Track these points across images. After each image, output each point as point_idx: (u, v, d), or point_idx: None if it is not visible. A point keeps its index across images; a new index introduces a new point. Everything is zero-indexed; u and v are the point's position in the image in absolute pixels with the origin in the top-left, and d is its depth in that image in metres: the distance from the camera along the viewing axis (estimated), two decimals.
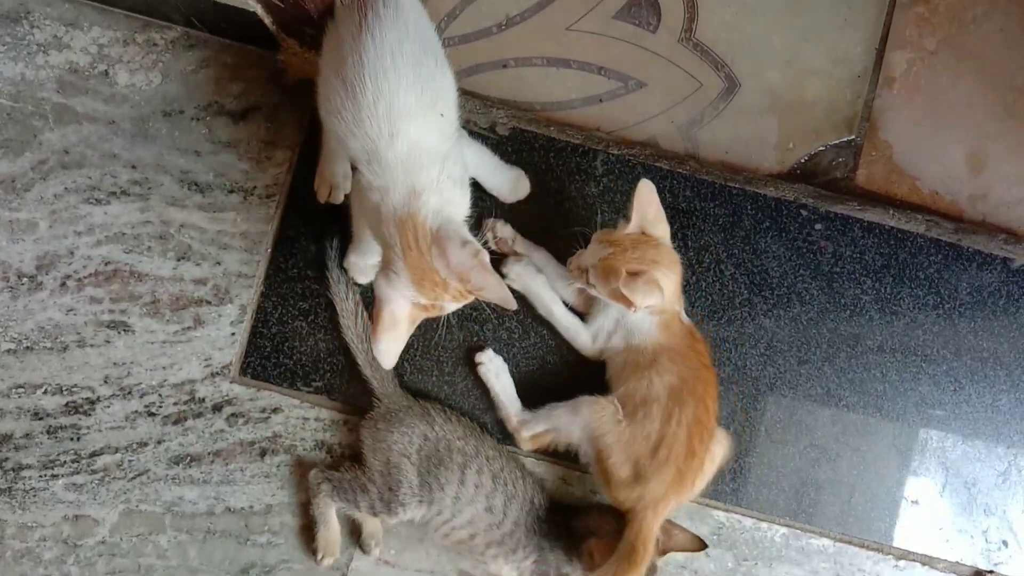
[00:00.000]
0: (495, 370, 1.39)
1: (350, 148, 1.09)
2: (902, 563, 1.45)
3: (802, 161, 1.51)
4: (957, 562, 1.45)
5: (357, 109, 1.05)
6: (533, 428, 1.35)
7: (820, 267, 1.46)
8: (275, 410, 1.43)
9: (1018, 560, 1.46)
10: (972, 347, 1.47)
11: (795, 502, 1.43)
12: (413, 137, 1.06)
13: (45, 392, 1.43)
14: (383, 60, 1.05)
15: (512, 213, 1.43)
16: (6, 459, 1.42)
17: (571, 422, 1.30)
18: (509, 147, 1.45)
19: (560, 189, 1.45)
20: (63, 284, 1.43)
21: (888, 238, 1.47)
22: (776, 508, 1.43)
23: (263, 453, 1.42)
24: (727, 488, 1.43)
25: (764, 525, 1.43)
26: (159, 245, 1.44)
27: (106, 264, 1.44)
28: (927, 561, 1.45)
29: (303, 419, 1.43)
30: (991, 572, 1.44)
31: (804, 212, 1.47)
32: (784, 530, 1.43)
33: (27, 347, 1.43)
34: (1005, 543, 1.45)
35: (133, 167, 1.45)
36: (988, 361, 1.47)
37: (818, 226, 1.47)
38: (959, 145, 1.52)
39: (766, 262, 1.46)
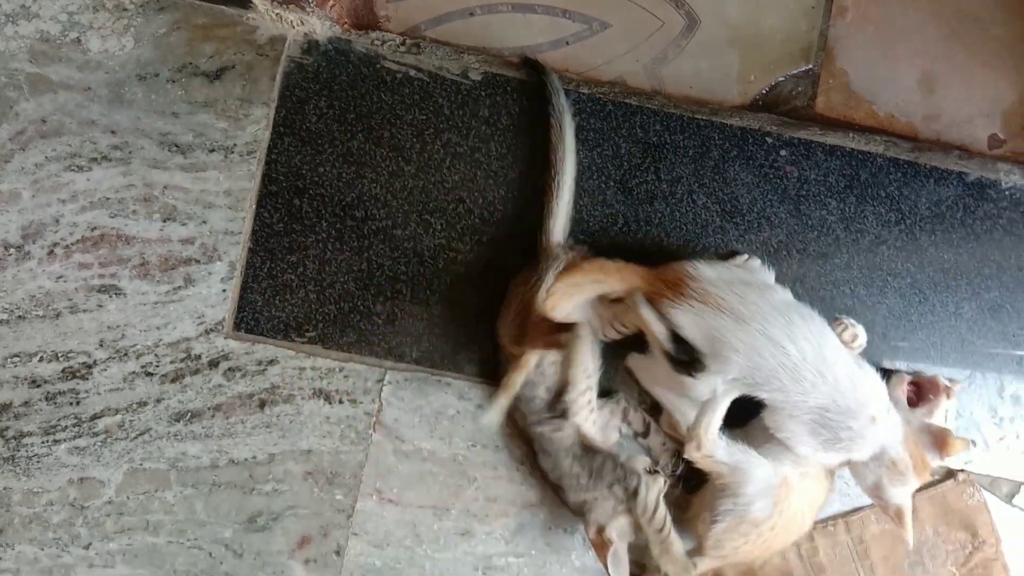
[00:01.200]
0: None
1: None
2: None
3: (763, 92, 1.57)
4: None
5: None
6: None
7: (787, 191, 1.52)
8: (271, 362, 1.46)
9: (985, 458, 1.54)
10: (934, 259, 1.54)
11: None
12: None
13: (41, 359, 1.45)
14: None
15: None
16: (7, 428, 1.44)
17: None
18: (483, 92, 1.49)
19: (534, 130, 1.49)
20: (51, 252, 1.45)
21: (849, 160, 1.54)
22: None
23: (262, 404, 1.46)
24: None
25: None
26: (144, 208, 1.46)
27: (92, 230, 1.45)
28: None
29: (299, 369, 1.46)
30: (962, 471, 1.53)
31: (769, 139, 1.53)
32: None
33: (19, 316, 1.44)
34: (973, 443, 1.53)
35: (112, 132, 1.46)
36: (950, 272, 1.54)
37: (783, 152, 1.53)
38: (911, 69, 1.59)
39: (735, 189, 1.52)
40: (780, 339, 1.23)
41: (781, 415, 1.27)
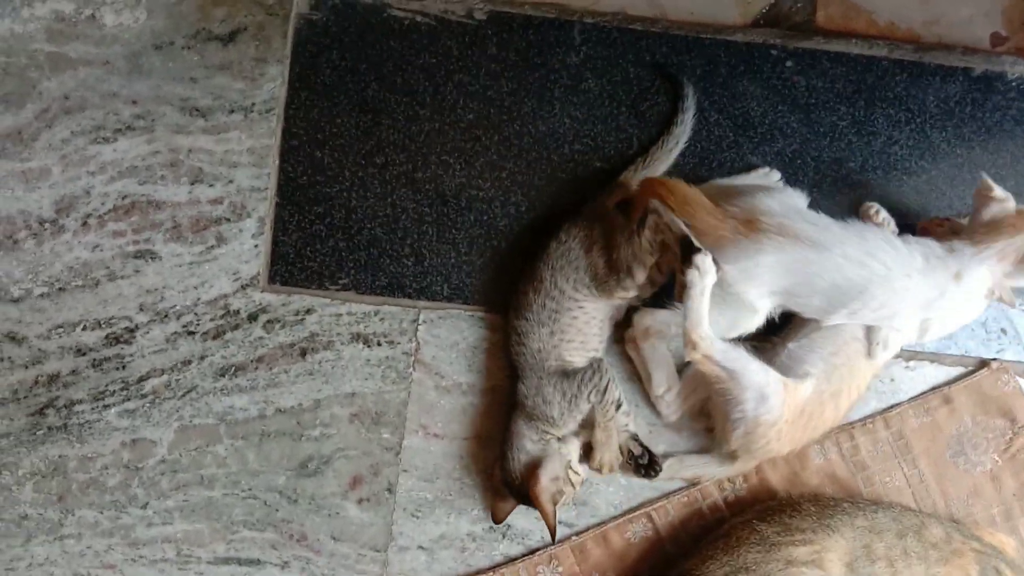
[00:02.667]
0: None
1: None
2: (912, 363, 1.54)
3: (763, 11, 1.59)
4: (963, 355, 1.55)
5: None
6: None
7: (796, 101, 1.55)
8: (308, 311, 1.50)
9: (1016, 347, 1.56)
10: (947, 154, 1.56)
11: None
12: None
13: (84, 328, 1.48)
14: None
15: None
16: (56, 398, 1.48)
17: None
18: (489, 31, 1.52)
19: (544, 63, 1.52)
20: (84, 223, 1.49)
21: (855, 65, 1.56)
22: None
23: (303, 353, 1.49)
24: None
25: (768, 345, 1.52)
26: (171, 172, 1.50)
27: (123, 198, 1.49)
28: (935, 359, 1.55)
29: (336, 315, 1.50)
30: (995, 359, 1.55)
31: (774, 52, 1.56)
32: None
33: (60, 288, 1.48)
34: (1004, 331, 1.55)
35: (134, 102, 1.50)
36: (964, 166, 1.56)
37: (789, 63, 1.55)
38: None
39: (746, 104, 1.54)
40: (862, 257, 1.29)
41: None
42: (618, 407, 1.40)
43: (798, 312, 1.37)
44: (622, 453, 1.43)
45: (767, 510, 1.42)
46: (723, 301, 1.33)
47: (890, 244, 1.32)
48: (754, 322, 1.36)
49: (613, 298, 1.39)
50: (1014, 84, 1.57)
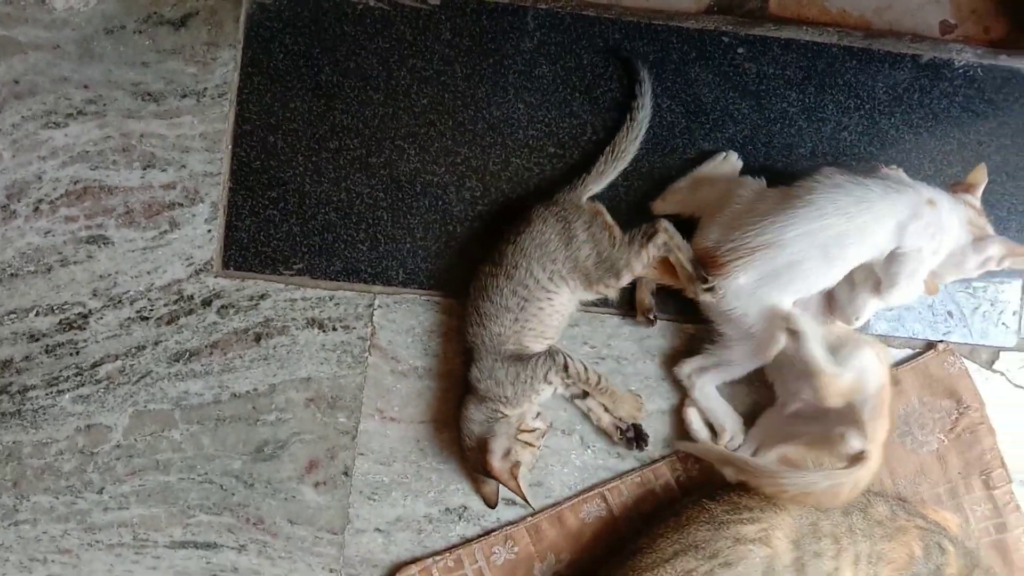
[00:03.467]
0: None
1: None
2: None
3: None
4: (910, 337, 1.58)
5: None
6: None
7: (747, 87, 1.57)
8: (262, 296, 1.50)
9: (962, 330, 1.59)
10: (895, 140, 1.59)
11: None
12: None
13: (37, 314, 1.48)
14: None
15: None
16: (10, 384, 1.48)
17: None
18: (443, 16, 1.53)
19: (498, 48, 1.53)
20: (36, 209, 1.48)
21: (805, 52, 1.58)
22: None
23: (258, 338, 1.50)
24: (691, 303, 1.54)
25: None
26: (123, 157, 1.49)
27: (75, 183, 1.48)
28: (882, 341, 1.57)
29: (290, 300, 1.50)
30: (941, 341, 1.58)
31: (726, 39, 1.57)
32: None
33: (12, 274, 1.48)
34: (950, 313, 1.59)
35: (85, 87, 1.49)
36: (911, 152, 1.59)
37: (740, 50, 1.57)
38: None
39: (698, 90, 1.56)
40: (819, 226, 1.33)
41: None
42: (586, 369, 1.42)
43: (811, 294, 1.39)
44: (610, 433, 1.47)
45: (716, 489, 1.44)
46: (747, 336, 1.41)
47: (841, 190, 1.34)
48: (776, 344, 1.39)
49: (591, 292, 1.42)
50: (960, 71, 1.59)
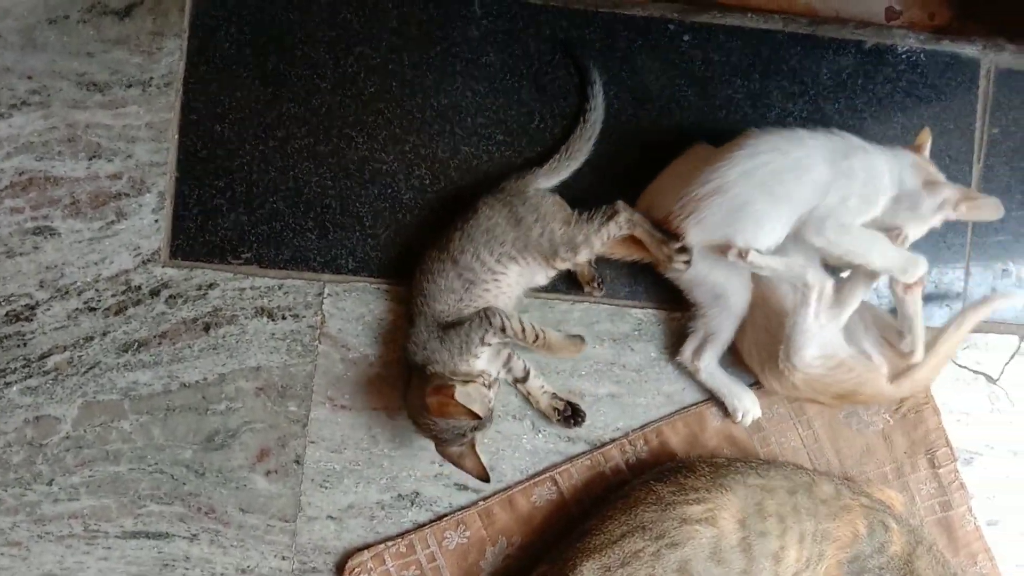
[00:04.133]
0: None
1: None
2: None
3: None
4: None
5: None
6: None
7: (693, 74, 1.58)
8: (211, 286, 1.50)
9: None
10: (840, 126, 1.57)
11: None
12: None
13: None
14: None
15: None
16: None
17: None
18: (390, 4, 1.53)
19: (445, 36, 1.53)
20: None
21: (750, 39, 1.59)
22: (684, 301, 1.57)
23: (207, 327, 1.50)
24: (639, 288, 1.56)
25: (677, 315, 1.56)
26: (68, 148, 1.48)
27: (20, 174, 1.48)
28: None
29: (239, 290, 1.50)
30: None
31: (671, 27, 1.58)
32: None
33: None
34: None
35: (29, 78, 1.48)
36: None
37: (686, 37, 1.58)
38: None
39: (644, 77, 1.57)
40: (756, 165, 1.36)
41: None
42: (523, 328, 1.43)
43: (770, 241, 1.40)
44: (548, 415, 1.50)
45: (664, 471, 1.46)
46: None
47: (775, 133, 1.40)
48: (744, 292, 1.45)
49: (548, 267, 1.44)
50: (904, 57, 1.62)
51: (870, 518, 1.44)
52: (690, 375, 1.54)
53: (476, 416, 1.33)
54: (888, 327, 1.48)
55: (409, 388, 1.44)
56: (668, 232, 1.41)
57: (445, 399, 1.33)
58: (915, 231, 1.43)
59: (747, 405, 1.52)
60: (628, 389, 1.55)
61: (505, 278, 1.42)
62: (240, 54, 1.51)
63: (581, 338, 1.49)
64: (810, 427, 1.57)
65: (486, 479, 1.45)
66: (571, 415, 1.50)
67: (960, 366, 1.60)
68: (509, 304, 1.46)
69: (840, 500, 1.44)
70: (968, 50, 1.61)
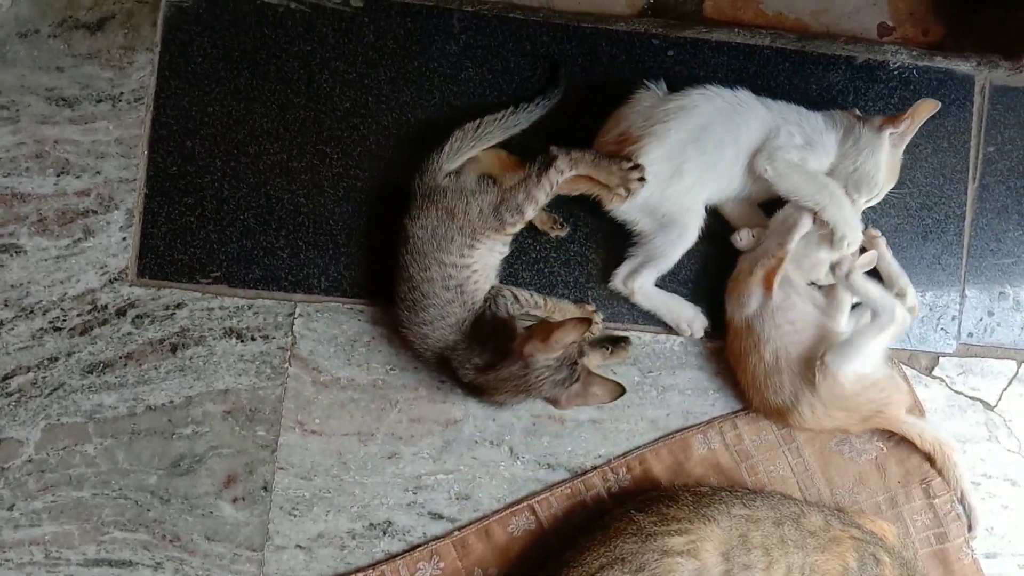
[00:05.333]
0: None
1: None
2: None
3: (650, 2, 1.59)
4: None
5: None
6: None
7: (677, 90, 1.53)
8: (178, 305, 1.46)
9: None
10: None
11: None
12: None
13: None
14: None
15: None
16: None
17: None
18: (366, 18, 1.50)
19: (423, 51, 1.50)
20: None
21: (737, 54, 1.56)
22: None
23: (174, 348, 1.46)
24: (623, 310, 1.51)
25: (662, 337, 1.51)
26: (36, 164, 1.45)
27: None
28: None
29: (207, 310, 1.46)
30: None
31: (655, 42, 1.55)
32: (681, 339, 1.52)
33: None
34: None
35: None
36: None
37: (670, 52, 1.55)
38: None
39: (627, 93, 1.52)
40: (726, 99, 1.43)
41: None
42: (532, 295, 1.43)
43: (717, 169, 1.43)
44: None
45: (645, 500, 1.41)
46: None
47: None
48: (696, 221, 1.44)
49: (504, 236, 1.41)
50: (896, 73, 1.57)
51: (861, 551, 1.38)
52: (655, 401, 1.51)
53: (583, 326, 1.31)
54: None
55: (489, 391, 1.38)
56: (614, 159, 1.40)
57: (546, 327, 1.31)
58: (871, 166, 1.42)
59: (690, 315, 1.49)
60: (610, 415, 1.50)
61: (477, 262, 1.39)
62: (212, 69, 1.48)
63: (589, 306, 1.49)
64: (800, 455, 1.52)
65: (623, 390, 1.41)
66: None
67: (956, 392, 1.55)
68: (496, 268, 1.44)
69: (829, 532, 1.38)
70: (962, 66, 1.57)
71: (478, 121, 1.43)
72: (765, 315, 1.42)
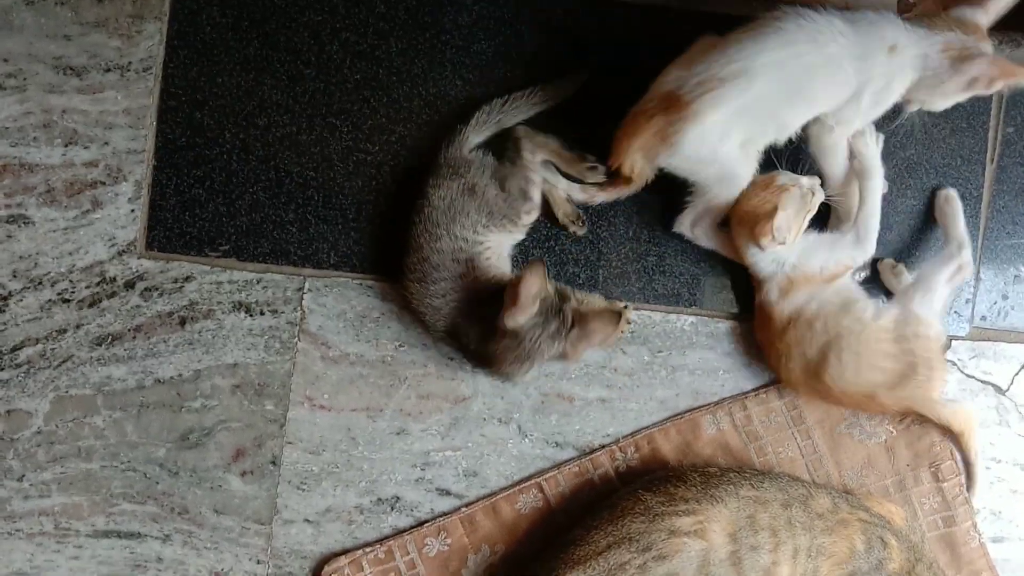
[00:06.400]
0: None
1: None
2: None
3: None
4: None
5: None
6: None
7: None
8: (187, 279, 1.45)
9: None
10: None
11: (690, 291, 1.51)
12: None
13: None
14: None
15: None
16: None
17: None
18: None
19: (434, 23, 1.47)
20: None
21: None
22: (680, 299, 1.50)
23: (183, 322, 1.45)
24: (634, 288, 1.50)
25: (672, 316, 1.50)
26: (44, 134, 1.44)
27: None
28: None
29: (216, 283, 1.46)
30: None
31: (672, 14, 1.52)
32: (692, 318, 1.51)
33: None
34: None
35: (4, 60, 1.44)
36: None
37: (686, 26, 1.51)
38: None
39: (645, 64, 1.50)
40: (784, 57, 1.27)
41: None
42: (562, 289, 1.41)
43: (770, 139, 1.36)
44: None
45: (653, 480, 1.40)
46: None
47: (809, 19, 1.27)
48: (750, 168, 1.38)
49: (518, 225, 1.39)
50: None
51: (868, 533, 1.38)
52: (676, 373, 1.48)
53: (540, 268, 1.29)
54: None
55: (489, 358, 1.36)
56: (578, 153, 1.41)
57: (511, 291, 1.28)
58: (937, 105, 1.36)
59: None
60: (619, 394, 1.49)
61: (492, 241, 1.38)
62: (222, 39, 1.46)
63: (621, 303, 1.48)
64: (809, 437, 1.51)
65: (619, 314, 1.40)
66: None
67: (968, 375, 1.53)
68: (505, 258, 1.43)
69: (837, 514, 1.38)
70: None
71: (506, 96, 1.41)
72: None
